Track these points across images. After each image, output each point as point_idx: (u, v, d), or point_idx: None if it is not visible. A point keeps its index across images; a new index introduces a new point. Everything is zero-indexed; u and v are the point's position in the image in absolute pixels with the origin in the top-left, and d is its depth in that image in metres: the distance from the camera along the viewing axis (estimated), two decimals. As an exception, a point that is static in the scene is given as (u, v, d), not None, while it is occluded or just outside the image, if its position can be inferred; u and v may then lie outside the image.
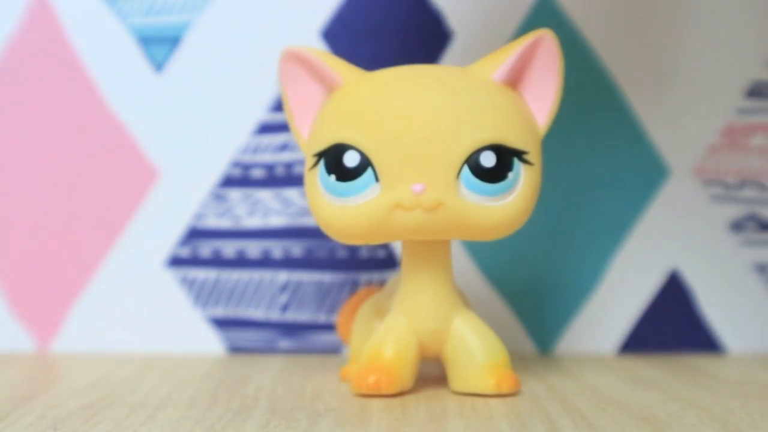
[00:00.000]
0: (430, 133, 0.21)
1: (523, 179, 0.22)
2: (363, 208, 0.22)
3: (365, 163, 0.22)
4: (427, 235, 0.22)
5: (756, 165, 0.31)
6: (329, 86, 0.23)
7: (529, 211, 0.22)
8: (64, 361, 0.29)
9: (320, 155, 0.22)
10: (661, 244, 0.30)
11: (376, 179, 0.22)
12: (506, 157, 0.22)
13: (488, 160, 0.22)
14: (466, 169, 0.22)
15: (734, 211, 0.30)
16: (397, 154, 0.21)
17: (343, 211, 0.22)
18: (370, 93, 0.22)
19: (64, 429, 0.20)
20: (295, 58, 0.23)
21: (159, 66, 0.31)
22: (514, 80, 0.23)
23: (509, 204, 0.22)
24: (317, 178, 0.22)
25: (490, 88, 0.22)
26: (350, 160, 0.22)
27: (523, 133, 0.22)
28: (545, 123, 0.23)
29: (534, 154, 0.22)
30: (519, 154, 0.22)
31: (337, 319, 0.29)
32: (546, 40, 0.22)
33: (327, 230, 0.23)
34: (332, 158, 0.22)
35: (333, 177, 0.22)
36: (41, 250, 0.31)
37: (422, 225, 0.22)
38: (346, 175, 0.22)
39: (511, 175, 0.22)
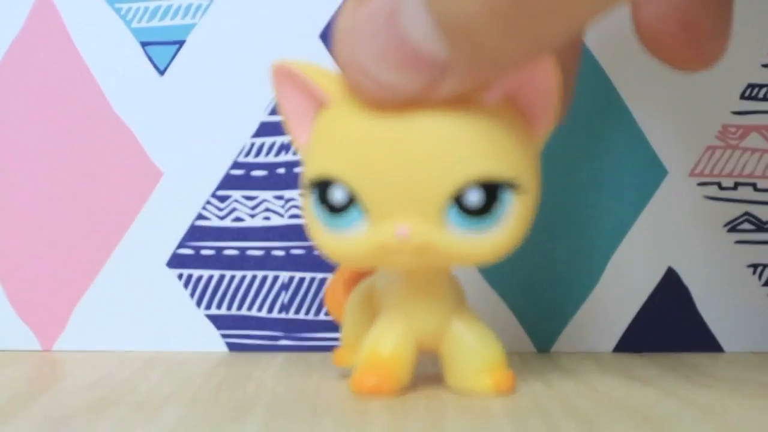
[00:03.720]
0: (415, 170, 0.20)
1: (514, 208, 0.21)
2: (353, 242, 0.21)
3: (352, 198, 0.21)
4: (417, 268, 0.22)
5: (750, 166, 0.31)
6: (318, 102, 0.22)
7: (520, 238, 0.22)
8: (67, 359, 0.29)
9: (309, 183, 0.22)
10: (658, 243, 0.31)
11: (365, 212, 0.21)
12: (495, 190, 0.21)
13: (476, 195, 0.21)
14: (453, 206, 0.21)
15: (730, 212, 0.31)
16: (381, 190, 0.21)
17: (336, 240, 0.22)
18: (355, 122, 0.21)
19: (67, 427, 0.20)
20: (284, 73, 0.23)
21: (162, 69, 0.31)
22: (511, 94, 0.21)
23: (498, 234, 0.21)
24: (311, 203, 0.22)
25: (480, 112, 0.21)
26: (336, 194, 0.21)
27: (516, 160, 0.21)
28: (543, 136, 0.22)
29: (527, 179, 0.21)
30: (510, 185, 0.21)
31: (326, 293, 0.28)
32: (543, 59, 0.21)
33: (323, 253, 0.22)
34: (320, 190, 0.21)
35: (323, 207, 0.21)
36: (45, 250, 0.31)
37: (410, 262, 0.21)
38: (334, 208, 0.21)
39: (500, 206, 0.21)
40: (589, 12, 0.19)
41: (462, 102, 0.21)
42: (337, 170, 0.21)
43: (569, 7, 0.18)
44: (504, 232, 0.21)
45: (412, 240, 0.21)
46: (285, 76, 0.23)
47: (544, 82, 0.21)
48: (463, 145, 0.21)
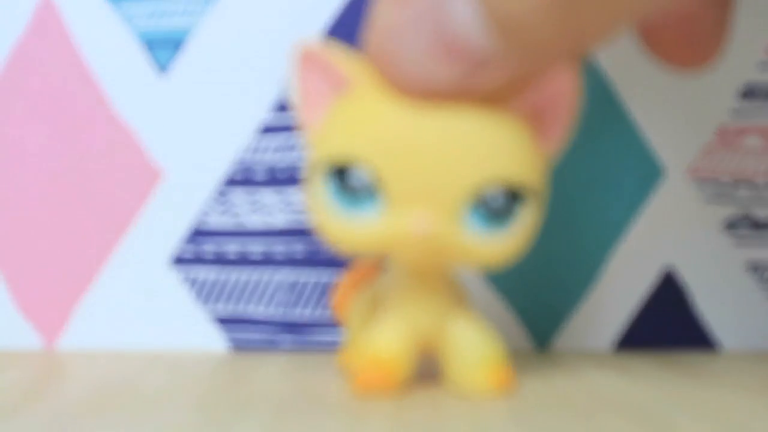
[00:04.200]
0: (442, 162, 0.20)
1: (528, 214, 0.21)
2: (365, 227, 0.21)
3: (372, 181, 0.21)
4: (423, 266, 0.22)
5: (749, 165, 0.31)
6: (337, 85, 0.22)
7: (528, 244, 0.22)
8: (69, 358, 0.30)
9: (327, 164, 0.21)
10: (657, 243, 0.31)
11: (383, 198, 0.21)
12: (516, 194, 0.21)
13: (499, 197, 0.21)
14: (473, 204, 0.21)
15: (728, 211, 0.31)
16: (406, 177, 0.21)
17: (346, 225, 0.21)
18: (385, 107, 0.21)
19: (67, 427, 0.20)
20: (306, 53, 0.22)
21: (163, 68, 0.31)
22: (535, 106, 0.22)
23: (510, 238, 0.21)
24: (322, 186, 0.21)
25: (509, 117, 0.21)
26: (357, 176, 0.21)
27: (536, 167, 0.22)
28: (556, 147, 0.22)
29: (542, 187, 0.22)
30: (530, 191, 0.21)
31: (335, 297, 0.28)
32: (568, 75, 0.22)
33: (327, 238, 0.22)
34: (339, 170, 0.21)
35: (339, 189, 0.21)
36: (48, 249, 0.31)
37: (419, 257, 0.21)
38: (351, 190, 0.21)
39: (518, 211, 0.21)
40: (643, 7, 0.19)
41: (494, 104, 0.21)
42: (361, 151, 0.21)
43: (625, 3, 0.19)
44: (516, 237, 0.22)
45: (428, 230, 0.21)
46: (306, 57, 0.23)
47: (565, 98, 0.22)
48: (494, 146, 0.21)
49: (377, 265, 0.27)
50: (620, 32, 0.20)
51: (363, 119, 0.21)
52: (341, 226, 0.21)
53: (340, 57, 0.22)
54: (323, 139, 0.22)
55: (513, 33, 0.19)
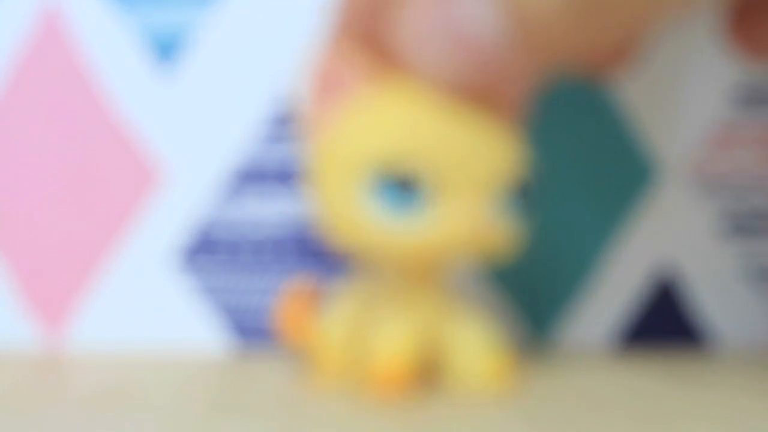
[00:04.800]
0: (484, 157, 0.21)
1: (529, 199, 0.23)
2: (417, 230, 0.21)
3: (420, 185, 0.21)
4: (448, 264, 0.23)
5: (746, 164, 0.31)
6: (351, 90, 0.22)
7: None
8: (69, 358, 0.30)
9: (374, 170, 0.21)
10: (653, 242, 0.31)
11: (430, 202, 0.21)
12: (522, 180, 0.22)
13: (521, 185, 0.22)
14: (510, 193, 0.21)
15: (725, 210, 0.31)
16: (460, 175, 0.21)
17: (392, 230, 0.21)
18: (419, 106, 0.21)
19: (67, 427, 0.20)
20: (314, 71, 0.23)
21: (167, 64, 0.31)
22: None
23: (518, 222, 0.22)
24: (364, 194, 0.21)
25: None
26: (414, 177, 0.21)
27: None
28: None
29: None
30: (528, 177, 0.22)
31: (284, 320, 0.27)
32: None
33: (366, 248, 0.22)
34: (391, 175, 0.21)
35: (391, 194, 0.21)
36: (51, 248, 0.31)
37: (465, 253, 0.22)
38: (407, 193, 0.21)
39: (531, 196, 0.22)
40: (664, 10, 0.20)
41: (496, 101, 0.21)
42: (417, 152, 0.21)
43: (644, 6, 0.19)
44: (520, 222, 0.22)
45: (488, 221, 0.21)
46: (316, 65, 0.23)
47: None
48: (507, 135, 0.22)
49: (318, 286, 0.27)
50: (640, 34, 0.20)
51: (403, 120, 0.21)
52: (386, 231, 0.21)
53: (348, 59, 0.22)
54: (356, 145, 0.22)
55: (531, 31, 0.20)
